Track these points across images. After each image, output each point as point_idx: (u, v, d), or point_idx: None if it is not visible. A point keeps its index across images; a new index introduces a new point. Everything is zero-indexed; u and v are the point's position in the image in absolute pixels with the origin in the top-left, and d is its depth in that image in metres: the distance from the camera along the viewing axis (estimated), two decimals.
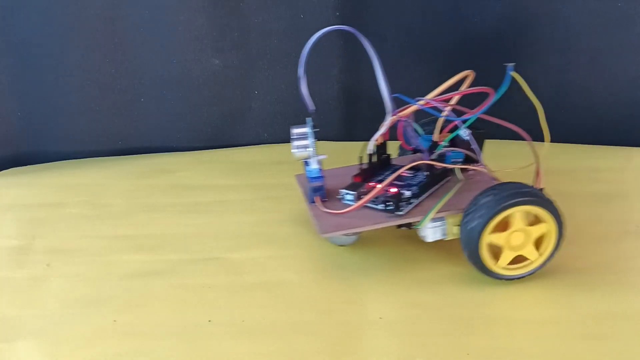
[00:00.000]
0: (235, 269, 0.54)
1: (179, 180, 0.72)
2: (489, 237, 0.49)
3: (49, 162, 0.79)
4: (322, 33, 0.50)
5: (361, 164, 0.55)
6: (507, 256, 0.50)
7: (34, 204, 0.67)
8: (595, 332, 0.45)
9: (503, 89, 0.51)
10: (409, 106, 0.53)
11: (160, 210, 0.65)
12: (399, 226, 0.52)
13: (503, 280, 0.51)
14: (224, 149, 0.80)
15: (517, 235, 0.49)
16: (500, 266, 0.50)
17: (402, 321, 0.47)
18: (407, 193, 0.51)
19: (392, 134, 0.56)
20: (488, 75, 0.78)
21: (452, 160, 0.55)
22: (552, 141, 0.80)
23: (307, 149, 0.51)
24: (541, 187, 0.53)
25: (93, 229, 0.62)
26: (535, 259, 0.50)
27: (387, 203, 0.50)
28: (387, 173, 0.55)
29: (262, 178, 0.70)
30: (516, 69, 0.78)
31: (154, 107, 0.79)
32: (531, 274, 0.51)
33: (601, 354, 0.43)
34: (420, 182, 0.53)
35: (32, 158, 0.79)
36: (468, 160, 0.56)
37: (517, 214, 0.49)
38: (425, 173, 0.54)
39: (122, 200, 0.68)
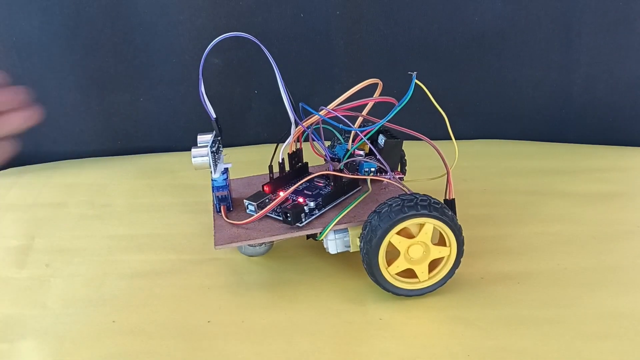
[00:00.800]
0: (236, 270, 0.54)
1: (179, 180, 0.72)
2: (394, 237, 0.47)
3: (49, 162, 0.79)
4: (219, 40, 0.50)
5: (271, 173, 0.53)
6: (399, 264, 0.48)
7: (34, 204, 0.67)
8: (595, 332, 0.45)
9: (406, 98, 0.50)
10: (312, 116, 0.50)
11: (160, 210, 0.65)
12: (308, 237, 0.51)
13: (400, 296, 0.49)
14: (224, 148, 0.80)
15: (418, 249, 0.48)
16: (390, 272, 0.48)
17: (403, 322, 0.47)
18: (312, 204, 0.50)
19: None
20: (488, 75, 0.79)
21: (365, 170, 0.53)
22: (552, 141, 0.80)
23: (203, 158, 0.49)
24: (452, 197, 0.51)
25: (93, 229, 0.62)
26: (423, 280, 0.49)
27: (287, 214, 0.48)
28: (298, 181, 0.52)
29: None
30: (516, 69, 0.78)
31: (154, 107, 0.79)
32: (415, 295, 0.49)
33: (601, 354, 0.43)
34: (326, 193, 0.51)
35: (32, 158, 0.79)
36: (381, 170, 0.54)
37: (429, 226, 0.47)
38: (331, 184, 0.52)
39: (123, 200, 0.68)
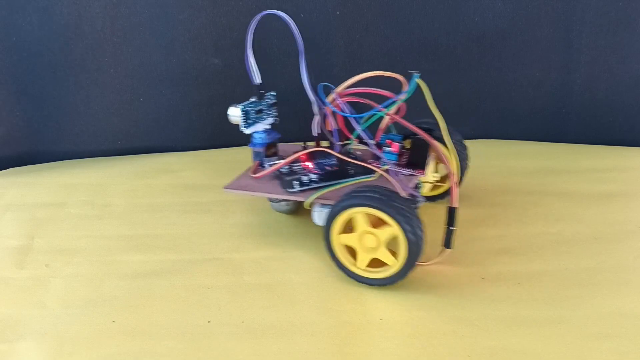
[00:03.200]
0: (236, 270, 0.54)
1: (179, 180, 0.72)
2: (339, 238, 0.50)
3: (49, 162, 0.79)
4: (260, 17, 0.56)
5: (307, 146, 0.59)
6: (362, 258, 0.50)
7: (34, 204, 0.67)
8: (596, 332, 0.45)
9: (408, 94, 0.53)
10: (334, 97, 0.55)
11: (160, 210, 0.65)
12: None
13: (372, 286, 0.51)
14: (224, 148, 0.80)
15: (369, 237, 0.49)
16: (359, 267, 0.50)
17: (403, 322, 0.47)
18: (313, 176, 0.55)
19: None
20: (488, 75, 0.79)
21: (384, 160, 0.56)
22: (552, 141, 0.80)
23: (236, 117, 0.56)
24: (455, 206, 0.51)
25: (93, 229, 0.62)
26: (392, 263, 0.49)
27: (286, 179, 0.54)
28: (329, 159, 0.57)
29: None
30: (516, 69, 0.78)
31: (154, 107, 0.79)
32: (395, 282, 0.50)
33: (602, 354, 0.43)
34: (330, 170, 0.56)
35: (32, 158, 0.79)
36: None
37: (358, 215, 0.49)
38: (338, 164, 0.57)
39: (123, 200, 0.68)
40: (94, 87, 0.77)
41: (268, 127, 0.59)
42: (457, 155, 0.60)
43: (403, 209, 0.47)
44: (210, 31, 0.75)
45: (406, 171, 0.56)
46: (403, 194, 0.51)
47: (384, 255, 0.50)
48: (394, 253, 0.49)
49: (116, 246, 0.58)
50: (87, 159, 0.79)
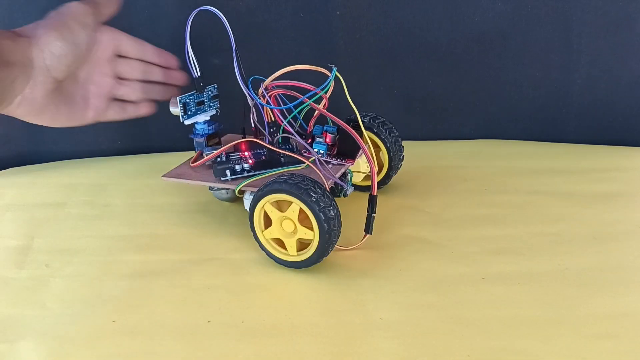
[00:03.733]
0: (236, 270, 0.54)
1: None
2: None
3: (49, 162, 0.79)
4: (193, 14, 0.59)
5: (243, 134, 0.62)
6: (272, 232, 0.53)
7: (34, 204, 0.67)
8: (596, 332, 0.45)
9: (327, 87, 0.56)
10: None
11: (160, 210, 0.65)
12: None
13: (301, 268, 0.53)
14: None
15: (287, 223, 0.52)
16: (265, 236, 0.53)
17: (403, 322, 0.47)
18: (246, 165, 0.57)
19: None
20: (488, 75, 0.79)
21: (311, 151, 0.58)
22: (552, 141, 0.80)
23: (175, 108, 0.60)
24: (374, 194, 0.54)
25: (93, 229, 0.62)
26: (292, 254, 0.53)
27: (218, 167, 0.56)
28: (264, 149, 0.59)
29: None
30: (516, 69, 0.78)
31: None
32: (317, 260, 0.52)
33: (602, 354, 0.43)
34: (261, 160, 0.58)
35: (32, 158, 0.79)
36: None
37: (268, 205, 0.52)
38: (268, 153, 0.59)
39: (123, 200, 0.68)
40: None
41: (208, 118, 0.62)
42: (384, 147, 0.63)
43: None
44: (210, 31, 0.75)
45: (335, 161, 0.58)
46: (326, 183, 0.53)
47: (290, 245, 0.52)
48: (300, 247, 0.52)
49: (116, 246, 0.58)
50: (87, 159, 0.79)
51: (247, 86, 0.58)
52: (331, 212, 0.50)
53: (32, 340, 0.46)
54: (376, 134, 0.63)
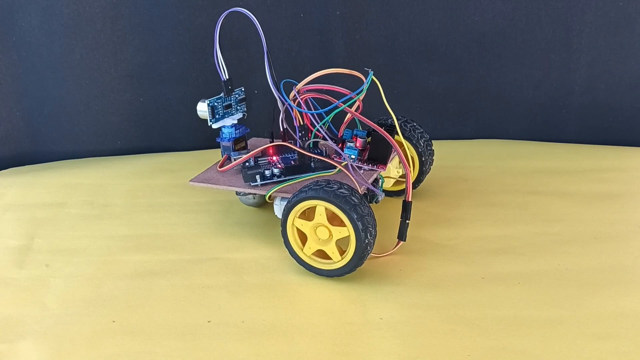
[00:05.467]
0: (236, 270, 0.54)
1: (179, 180, 0.72)
2: (296, 221, 0.51)
3: (49, 162, 0.79)
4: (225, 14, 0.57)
5: (272, 139, 0.60)
6: (311, 245, 0.52)
7: (34, 204, 0.67)
8: (597, 332, 0.45)
9: (363, 91, 0.54)
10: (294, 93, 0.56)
11: (160, 210, 0.65)
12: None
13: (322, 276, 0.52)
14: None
15: (323, 230, 0.51)
16: (305, 253, 0.52)
17: (403, 322, 0.47)
18: (276, 171, 0.56)
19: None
20: (488, 75, 0.79)
21: (343, 155, 0.57)
22: (553, 141, 0.80)
23: (203, 111, 0.58)
24: (409, 200, 0.53)
25: (93, 229, 0.62)
26: (337, 260, 0.51)
27: (248, 172, 0.55)
28: (294, 153, 0.59)
29: None
30: (516, 69, 0.78)
31: (153, 107, 0.79)
32: (339, 275, 0.51)
33: (602, 354, 0.43)
34: (292, 165, 0.57)
35: (32, 158, 0.79)
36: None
37: (319, 207, 0.50)
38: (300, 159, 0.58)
39: (123, 200, 0.68)
40: (94, 87, 0.77)
41: (236, 122, 0.61)
42: (415, 152, 0.62)
43: (360, 210, 0.49)
44: (210, 31, 0.75)
45: (367, 166, 0.57)
46: (359, 189, 0.52)
47: (331, 251, 0.51)
48: (341, 250, 0.51)
49: (116, 246, 0.58)
50: (87, 159, 0.79)
51: (278, 89, 0.56)
52: (365, 212, 0.49)
53: (32, 340, 0.46)
54: (407, 138, 0.61)
